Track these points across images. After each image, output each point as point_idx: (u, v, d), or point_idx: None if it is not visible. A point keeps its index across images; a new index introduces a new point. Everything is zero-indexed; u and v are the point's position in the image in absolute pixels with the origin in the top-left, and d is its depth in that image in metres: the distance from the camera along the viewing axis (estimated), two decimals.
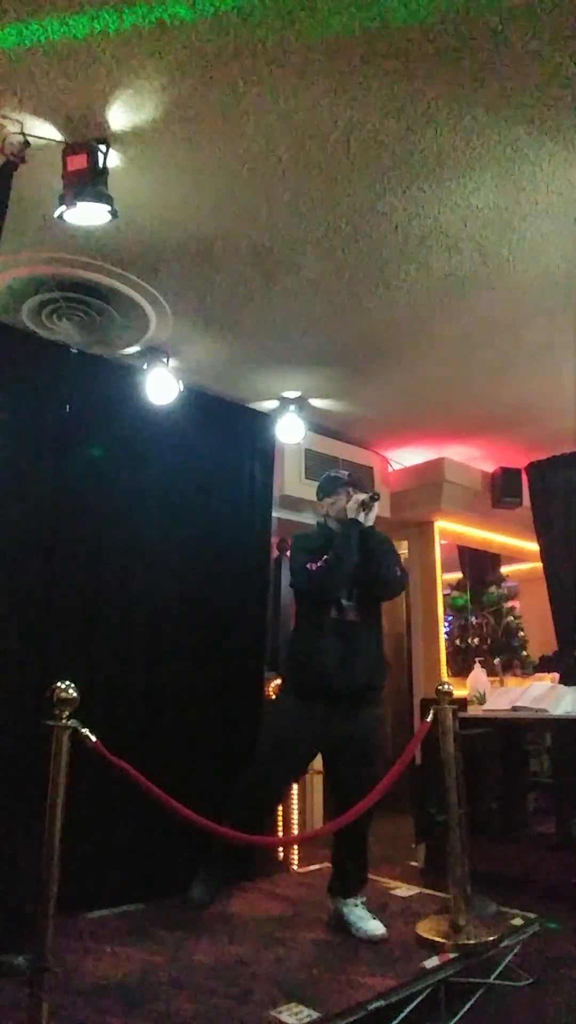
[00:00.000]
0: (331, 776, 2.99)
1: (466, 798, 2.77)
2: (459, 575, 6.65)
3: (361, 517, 2.89)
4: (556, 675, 4.83)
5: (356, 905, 2.78)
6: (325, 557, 2.83)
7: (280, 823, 4.02)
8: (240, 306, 3.46)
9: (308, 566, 2.85)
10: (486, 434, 5.14)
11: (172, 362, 3.89)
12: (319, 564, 2.82)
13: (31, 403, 3.26)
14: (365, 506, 2.90)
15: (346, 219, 2.85)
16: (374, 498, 2.91)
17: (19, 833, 2.69)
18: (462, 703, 4.38)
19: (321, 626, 2.88)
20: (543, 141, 2.45)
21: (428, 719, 2.82)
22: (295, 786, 4.12)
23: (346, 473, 3.18)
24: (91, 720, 2.15)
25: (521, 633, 6.28)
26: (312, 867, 3.67)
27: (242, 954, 2.54)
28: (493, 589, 6.48)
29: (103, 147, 2.42)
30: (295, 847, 3.97)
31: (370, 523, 2.91)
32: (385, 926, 2.69)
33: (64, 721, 2.08)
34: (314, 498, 4.78)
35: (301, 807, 4.24)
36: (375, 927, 2.69)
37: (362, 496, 2.92)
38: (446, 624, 5.93)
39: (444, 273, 3.21)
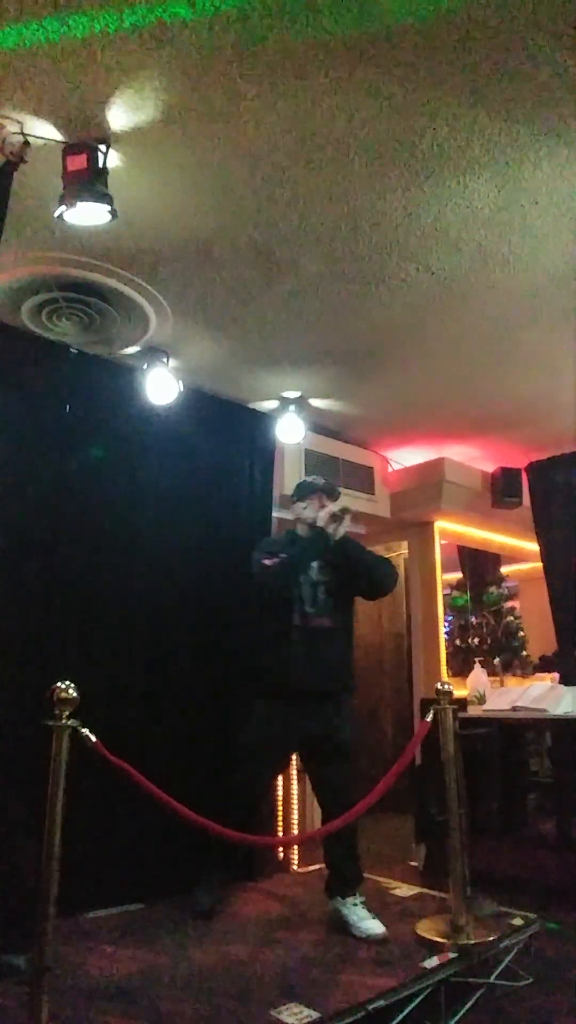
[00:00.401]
0: (310, 776, 3.04)
1: (466, 798, 2.77)
2: (459, 575, 6.65)
3: (331, 529, 2.94)
4: (556, 675, 4.84)
5: (356, 904, 2.79)
6: (281, 555, 2.91)
7: (280, 823, 4.02)
8: (240, 306, 3.46)
9: (263, 561, 2.93)
10: (486, 434, 5.14)
11: (172, 362, 3.89)
12: (274, 560, 2.90)
13: (31, 403, 3.25)
14: (336, 519, 2.94)
15: (346, 219, 2.85)
16: (345, 511, 2.96)
17: (19, 833, 2.70)
18: (462, 703, 4.38)
19: (286, 631, 2.97)
20: (543, 141, 2.45)
21: (428, 719, 2.83)
22: (295, 786, 4.12)
23: (322, 481, 3.23)
24: (91, 720, 2.15)
25: (521, 633, 6.28)
26: (312, 867, 3.67)
27: (242, 954, 2.54)
28: (493, 589, 6.48)
29: (103, 147, 2.42)
30: (295, 847, 3.97)
31: (338, 536, 2.95)
32: (385, 926, 2.69)
33: (64, 721, 2.08)
34: None
35: (301, 807, 4.23)
36: (375, 926, 2.69)
37: (333, 508, 2.96)
38: (446, 624, 5.93)
39: (444, 273, 3.21)
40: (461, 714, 3.44)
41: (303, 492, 3.12)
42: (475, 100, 2.28)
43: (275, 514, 4.47)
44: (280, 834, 3.96)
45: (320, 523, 2.93)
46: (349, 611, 3.12)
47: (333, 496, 3.09)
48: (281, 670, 2.93)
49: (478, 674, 4.91)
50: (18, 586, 3.07)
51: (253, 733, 3.01)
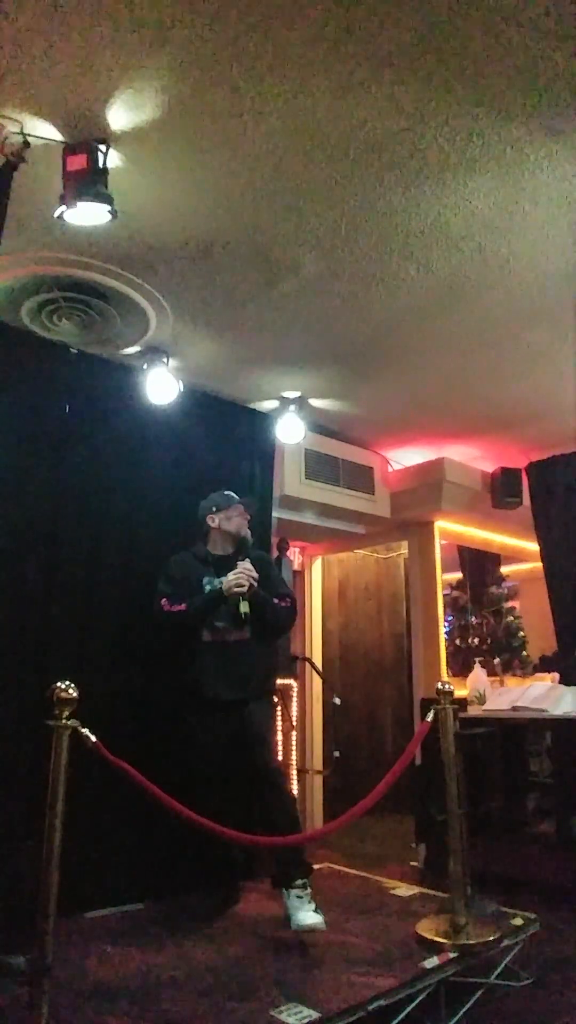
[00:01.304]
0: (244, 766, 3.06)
1: (466, 798, 2.77)
2: (459, 575, 6.65)
3: (234, 596, 3.00)
4: (556, 675, 4.84)
5: (299, 897, 2.69)
6: (183, 608, 3.00)
7: None
8: (240, 306, 3.46)
9: (163, 603, 3.03)
10: (486, 434, 5.14)
11: (172, 362, 3.89)
12: (175, 609, 3.01)
13: (31, 403, 3.26)
14: (240, 587, 3.00)
15: (346, 219, 2.85)
16: (240, 585, 3.01)
17: (19, 833, 2.70)
18: (462, 703, 4.38)
19: (198, 647, 3.07)
20: (543, 141, 2.45)
21: (428, 719, 2.83)
22: (295, 787, 4.12)
23: (238, 498, 3.34)
24: (91, 720, 2.15)
25: (521, 633, 6.27)
26: (313, 867, 3.66)
27: (242, 954, 2.54)
28: (493, 589, 6.47)
29: (103, 147, 2.42)
30: None
31: (242, 610, 3.01)
32: (385, 926, 2.69)
33: (64, 721, 2.08)
34: (314, 498, 4.84)
35: (301, 807, 4.24)
36: (307, 917, 2.60)
37: (242, 581, 3.00)
38: (446, 624, 5.93)
39: (444, 273, 3.21)
40: (461, 714, 3.44)
41: (224, 502, 3.27)
42: (475, 100, 2.28)
43: (275, 514, 4.47)
44: None
45: (226, 589, 3.01)
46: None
47: (249, 511, 3.30)
48: (197, 684, 3.04)
49: (478, 674, 4.91)
50: (18, 586, 3.07)
51: (196, 748, 3.08)
